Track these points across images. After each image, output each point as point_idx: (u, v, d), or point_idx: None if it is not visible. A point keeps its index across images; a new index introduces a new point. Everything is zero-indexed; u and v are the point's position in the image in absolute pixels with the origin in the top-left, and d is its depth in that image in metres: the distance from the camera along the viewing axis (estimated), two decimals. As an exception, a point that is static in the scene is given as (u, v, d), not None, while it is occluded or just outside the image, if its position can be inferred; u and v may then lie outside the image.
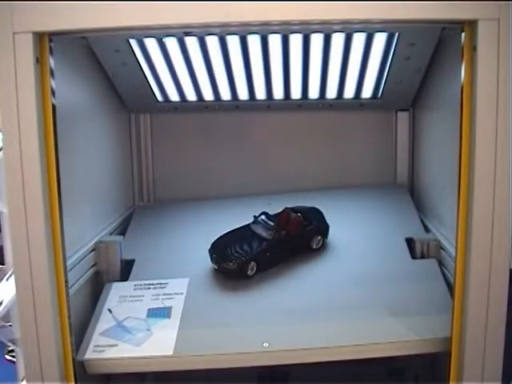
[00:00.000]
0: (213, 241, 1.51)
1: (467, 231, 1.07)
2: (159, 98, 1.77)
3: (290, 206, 1.55)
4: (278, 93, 1.73)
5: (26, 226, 1.06)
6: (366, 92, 1.73)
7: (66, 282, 1.14)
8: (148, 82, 1.68)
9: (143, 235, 1.67)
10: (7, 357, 2.18)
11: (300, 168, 1.89)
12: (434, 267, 1.42)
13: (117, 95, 1.75)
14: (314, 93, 1.73)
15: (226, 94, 1.74)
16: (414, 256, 1.48)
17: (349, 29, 1.38)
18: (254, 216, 1.54)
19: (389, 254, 1.50)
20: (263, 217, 1.52)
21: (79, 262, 1.37)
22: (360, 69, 1.60)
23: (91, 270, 1.45)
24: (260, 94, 1.74)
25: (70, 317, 1.15)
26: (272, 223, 1.49)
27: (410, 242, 1.51)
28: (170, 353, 1.20)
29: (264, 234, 1.48)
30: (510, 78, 1.01)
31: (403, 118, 1.82)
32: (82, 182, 1.45)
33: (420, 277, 1.40)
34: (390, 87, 1.67)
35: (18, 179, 1.06)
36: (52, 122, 1.08)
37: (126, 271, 1.50)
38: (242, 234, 1.51)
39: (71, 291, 1.20)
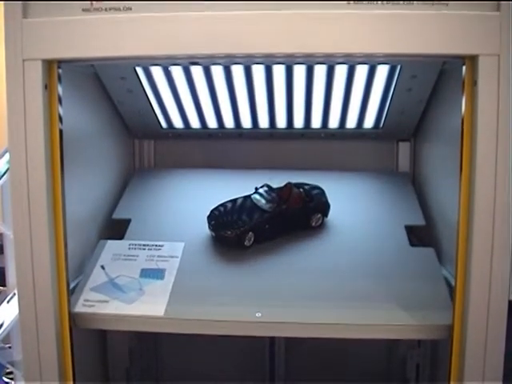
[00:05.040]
0: (212, 208, 1.50)
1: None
2: (163, 124, 1.78)
3: (293, 182, 1.53)
4: (281, 122, 1.75)
5: (30, 250, 1.08)
6: (368, 122, 1.74)
7: (69, 304, 1.14)
8: (153, 108, 1.69)
9: (141, 196, 1.65)
10: (5, 379, 2.17)
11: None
12: (431, 256, 1.40)
13: (121, 121, 1.76)
14: (316, 122, 1.74)
15: (229, 122, 1.76)
16: (412, 244, 1.46)
17: (352, 61, 1.40)
18: (256, 187, 1.53)
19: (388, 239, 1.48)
20: (265, 188, 1.51)
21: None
22: (362, 99, 1.62)
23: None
24: (263, 122, 1.75)
25: (72, 338, 1.16)
26: (273, 195, 1.48)
27: (409, 230, 1.50)
28: (161, 314, 1.20)
29: (264, 205, 1.46)
30: (511, 113, 1.02)
31: (404, 148, 1.83)
32: (86, 207, 1.46)
33: (417, 265, 1.38)
34: (391, 118, 1.69)
35: (23, 202, 1.07)
36: (59, 147, 1.09)
37: (120, 230, 1.50)
38: (242, 204, 1.49)
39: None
